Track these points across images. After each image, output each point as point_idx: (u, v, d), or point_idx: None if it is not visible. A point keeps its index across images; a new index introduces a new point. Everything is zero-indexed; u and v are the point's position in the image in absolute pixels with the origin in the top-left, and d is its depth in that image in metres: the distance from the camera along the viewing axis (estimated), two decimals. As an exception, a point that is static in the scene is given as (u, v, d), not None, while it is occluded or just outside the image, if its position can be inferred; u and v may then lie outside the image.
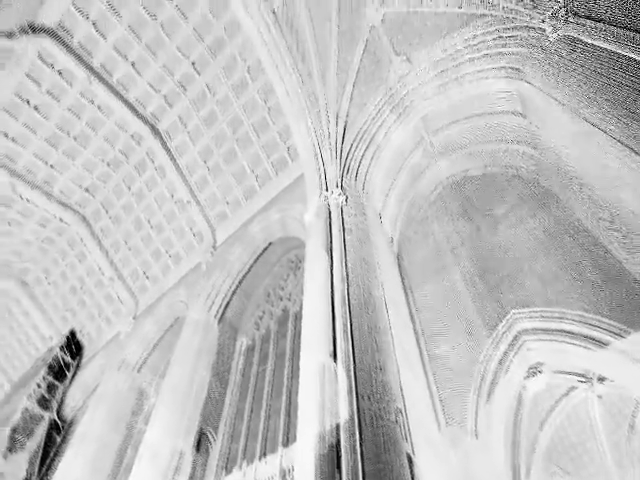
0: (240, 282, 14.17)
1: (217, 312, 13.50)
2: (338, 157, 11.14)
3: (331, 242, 9.38)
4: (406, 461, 6.64)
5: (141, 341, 16.13)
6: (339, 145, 11.26)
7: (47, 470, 15.51)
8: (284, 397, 9.95)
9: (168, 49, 13.79)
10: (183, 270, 16.95)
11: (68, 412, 17.48)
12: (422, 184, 11.38)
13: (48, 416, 16.91)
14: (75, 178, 17.02)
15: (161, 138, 16.03)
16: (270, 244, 14.25)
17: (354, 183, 10.85)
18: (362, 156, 11.10)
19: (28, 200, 16.95)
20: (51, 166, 16.39)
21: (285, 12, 11.43)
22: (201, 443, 10.50)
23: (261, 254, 14.36)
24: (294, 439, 8.46)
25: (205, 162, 15.96)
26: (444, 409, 7.60)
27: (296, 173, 13.67)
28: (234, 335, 13.54)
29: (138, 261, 18.39)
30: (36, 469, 15.32)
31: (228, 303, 13.88)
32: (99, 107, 15.07)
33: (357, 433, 6.39)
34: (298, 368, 9.75)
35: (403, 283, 9.85)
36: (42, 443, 15.94)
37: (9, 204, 16.98)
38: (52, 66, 13.59)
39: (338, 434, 6.47)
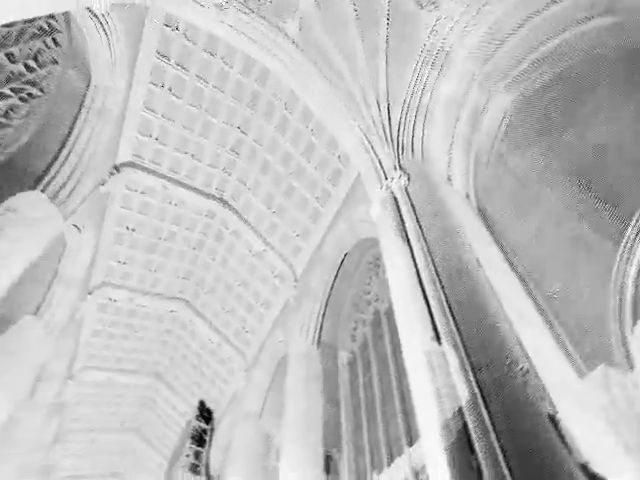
0: (327, 303, 14.30)
1: (313, 338, 13.68)
2: (389, 140, 10.83)
3: (404, 226, 9.08)
4: (548, 422, 5.72)
5: (256, 390, 17.06)
6: (387, 128, 10.97)
7: None
8: (396, 398, 9.44)
9: (216, 127, 15.27)
10: (274, 313, 17.85)
11: (214, 471, 18.81)
12: (486, 123, 10.24)
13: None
14: (173, 272, 19.53)
15: (229, 206, 17.55)
16: (346, 255, 14.29)
17: (412, 158, 10.38)
18: (413, 127, 10.60)
19: (143, 305, 19.87)
20: (155, 271, 19.18)
21: (303, 36, 11.65)
22: (329, 465, 10.35)
23: (339, 269, 14.42)
24: (417, 436, 7.86)
25: (269, 208, 16.89)
26: (580, 353, 6.41)
27: (352, 177, 13.71)
28: (334, 354, 13.50)
29: (236, 320, 19.93)
30: None
31: (321, 326, 14.03)
32: (176, 204, 17.14)
33: (483, 410, 5.76)
34: (403, 365, 9.28)
35: (492, 234, 8.87)
36: None
37: (132, 314, 20.26)
38: (136, 190, 16.02)
39: (463, 418, 5.92)
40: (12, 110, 10.43)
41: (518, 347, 6.67)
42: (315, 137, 14.56)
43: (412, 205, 9.53)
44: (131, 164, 14.96)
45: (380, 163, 10.86)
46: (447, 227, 8.79)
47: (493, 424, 5.60)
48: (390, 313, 11.30)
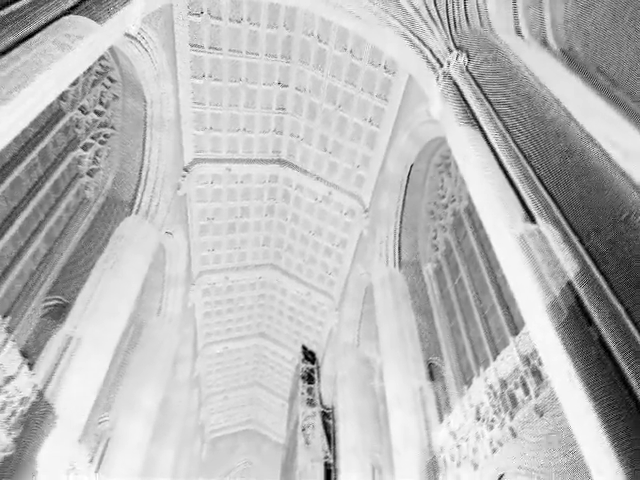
0: (401, 222, 13.91)
1: (394, 261, 13.54)
2: (438, 20, 9.66)
3: (470, 111, 8.24)
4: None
5: (349, 323, 17.94)
6: (432, 9, 9.75)
7: (333, 446, 18.88)
8: (492, 292, 8.97)
9: (259, 92, 15.22)
10: (351, 249, 18.19)
11: (327, 401, 20.83)
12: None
13: (317, 410, 20.52)
14: (254, 242, 21.09)
15: (287, 163, 18.02)
16: (411, 167, 13.52)
17: (469, 28, 9.14)
18: (463, -7, 9.00)
19: (237, 280, 22.13)
20: (239, 247, 20.93)
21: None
22: (433, 372, 10.49)
23: (407, 184, 13.72)
24: (522, 324, 7.40)
25: (325, 150, 16.82)
26: None
27: (403, 83, 12.70)
28: (418, 269, 13.29)
29: (318, 267, 20.94)
30: (327, 447, 18.98)
31: (399, 247, 13.78)
32: (242, 181, 18.00)
33: (599, 277, 5.11)
34: (494, 258, 8.72)
35: (588, 78, 7.37)
36: (322, 429, 19.55)
37: (230, 290, 22.58)
38: (206, 182, 17.12)
39: (574, 292, 5.36)
40: (97, 155, 12.13)
41: (637, 195, 5.67)
42: (355, 57, 13.76)
43: (477, 83, 8.52)
44: (196, 161, 16.01)
45: (431, 52, 9.77)
46: (521, 91, 7.61)
47: (613, 289, 5.02)
48: (471, 209, 10.60)
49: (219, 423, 32.05)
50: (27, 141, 8.63)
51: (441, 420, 9.27)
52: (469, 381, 9.05)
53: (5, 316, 6.96)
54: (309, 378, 22.69)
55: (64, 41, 5.73)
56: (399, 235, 13.87)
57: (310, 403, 21.27)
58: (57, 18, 5.76)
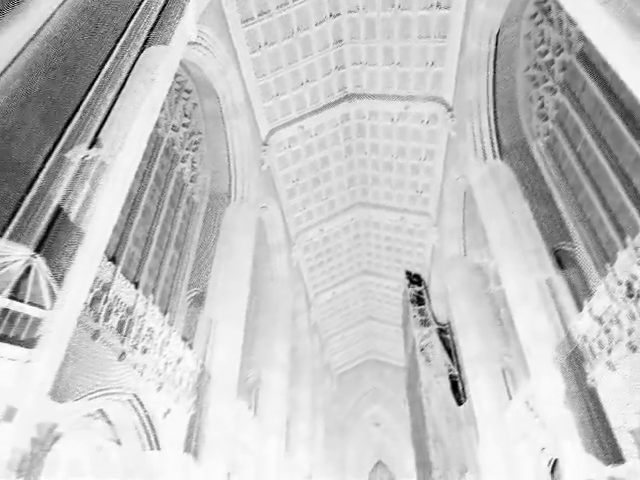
0: (494, 104, 13.14)
1: (493, 152, 13.01)
2: None
3: None
4: None
5: (451, 235, 18.19)
6: None
7: (455, 359, 20.93)
8: (632, 142, 8.17)
9: (312, 35, 15.75)
10: (440, 157, 18.14)
11: (441, 318, 22.55)
12: None
13: (432, 329, 22.30)
14: (338, 188, 22.47)
15: (355, 95, 18.46)
16: (497, 36, 12.31)
17: None
18: None
19: (331, 229, 24.45)
20: (325, 198, 22.66)
21: None
22: (562, 260, 10.47)
23: (495, 56, 12.60)
24: None
25: (392, 63, 16.76)
26: None
27: None
28: (524, 151, 12.66)
29: (407, 189, 21.63)
30: (449, 361, 21.05)
31: (497, 133, 13.20)
32: (316, 133, 19.26)
33: None
34: (629, 99, 7.92)
35: None
36: (441, 345, 21.65)
37: (326, 241, 24.99)
38: (284, 148, 18.86)
39: None
40: (193, 162, 14.58)
41: None
42: None
43: None
44: (271, 132, 17.84)
45: None
46: None
47: None
48: (587, 51, 9.51)
49: (342, 360, 36.79)
50: (143, 173, 10.68)
51: (579, 308, 9.27)
52: (612, 257, 8.80)
53: (165, 313, 9.01)
54: (418, 300, 24.25)
55: (147, 77, 6.44)
56: (495, 121, 13.15)
57: (424, 324, 23.04)
58: (137, 59, 6.42)
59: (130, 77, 6.06)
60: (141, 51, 6.49)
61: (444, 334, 22.35)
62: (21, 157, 4.60)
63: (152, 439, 8.37)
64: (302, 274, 24.55)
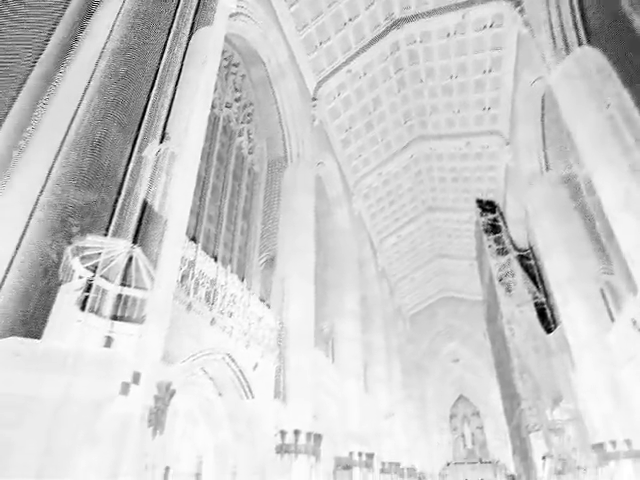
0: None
1: (577, 38, 12.02)
2: None
3: None
4: None
5: (528, 150, 17.44)
6: None
7: (541, 284, 20.90)
8: None
9: None
10: (510, 63, 17.51)
11: (521, 244, 22.40)
12: None
13: (512, 256, 22.41)
14: (394, 126, 22.66)
15: (403, 19, 18.14)
16: None
17: None
18: None
19: (390, 171, 25.06)
20: (381, 140, 23.02)
21: None
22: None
23: None
24: None
25: None
26: None
27: None
28: (621, 28, 11.05)
29: (472, 109, 21.13)
30: (534, 288, 21.12)
31: (582, 14, 12.12)
32: (365, 73, 19.46)
33: None
34: None
35: None
36: (523, 272, 21.80)
37: (386, 184, 25.62)
38: (334, 97, 19.57)
39: None
40: (249, 134, 15.78)
41: None
42: None
43: None
44: (319, 84, 18.67)
45: None
46: None
47: None
48: None
49: (412, 302, 38.55)
50: (207, 155, 11.93)
51: None
52: None
53: (242, 279, 10.43)
54: (493, 229, 24.12)
55: (198, 62, 7.05)
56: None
57: (501, 252, 23.09)
58: (187, 47, 7.04)
59: (184, 66, 6.68)
60: (189, 38, 7.03)
61: (526, 260, 22.40)
62: (110, 164, 5.60)
63: (246, 389, 10.14)
64: (364, 222, 25.66)
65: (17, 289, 4.80)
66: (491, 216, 24.63)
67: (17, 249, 4.87)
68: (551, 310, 19.87)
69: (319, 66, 18.08)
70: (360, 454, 16.92)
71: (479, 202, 25.82)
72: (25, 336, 4.95)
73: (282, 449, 10.41)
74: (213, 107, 12.62)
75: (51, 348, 5.22)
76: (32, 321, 4.97)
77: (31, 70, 5.59)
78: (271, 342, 11.48)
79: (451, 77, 19.87)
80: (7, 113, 5.29)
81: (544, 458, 17.64)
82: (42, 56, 5.70)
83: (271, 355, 11.56)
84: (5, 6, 5.14)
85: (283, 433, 10.59)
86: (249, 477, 9.88)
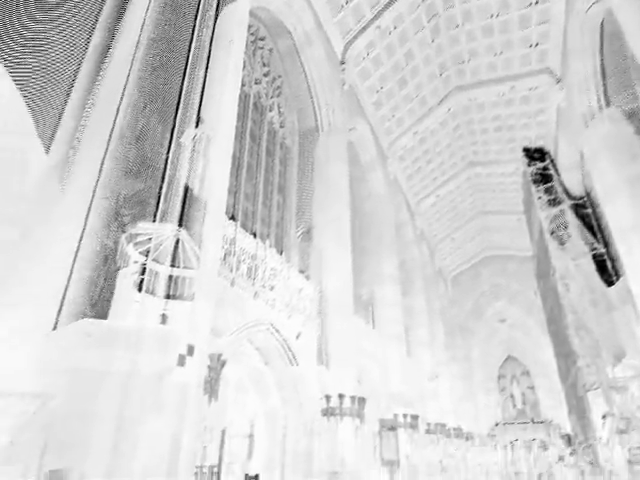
0: None
1: None
2: None
3: None
4: None
5: (583, 85, 16.35)
6: None
7: (600, 234, 20.36)
8: None
9: None
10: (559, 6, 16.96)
11: (576, 191, 21.89)
12: None
13: (565, 206, 21.79)
14: (429, 79, 22.29)
15: None
16: None
17: None
18: None
19: (427, 128, 24.80)
20: (416, 96, 22.86)
21: None
22: None
23: None
24: None
25: None
26: None
27: None
28: None
29: (516, 47, 20.54)
30: (592, 239, 20.56)
31: None
32: (395, 27, 19.13)
33: None
34: None
35: None
36: (579, 222, 21.10)
37: (423, 142, 25.53)
38: (363, 58, 19.46)
39: None
40: (279, 108, 16.15)
41: None
42: None
43: None
44: (346, 47, 18.42)
45: None
46: None
47: None
48: None
49: (454, 263, 38.63)
50: (240, 134, 12.49)
51: None
52: None
53: (281, 253, 11.14)
54: (543, 178, 23.35)
55: (225, 42, 7.39)
56: None
57: (552, 203, 22.39)
58: (214, 29, 7.40)
59: (212, 49, 7.04)
60: (215, 20, 7.33)
61: (581, 209, 21.61)
62: (152, 154, 6.18)
63: (291, 357, 11.02)
64: (400, 185, 25.79)
65: (84, 277, 5.58)
66: (540, 165, 23.70)
67: (80, 241, 5.60)
68: (612, 261, 19.22)
69: (346, 27, 17.89)
70: (405, 416, 17.88)
71: (526, 151, 24.92)
72: (94, 318, 5.77)
73: (327, 412, 11.34)
74: (243, 85, 12.96)
75: (116, 327, 6.04)
76: (99, 304, 5.77)
77: (77, 72, 6.13)
78: (312, 312, 12.25)
79: (491, 16, 19.09)
80: (61, 115, 5.90)
81: (604, 417, 17.65)
82: (85, 57, 6.21)
83: (312, 324, 12.37)
84: (47, 15, 5.64)
85: (328, 397, 11.49)
86: (298, 438, 10.93)
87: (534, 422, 34.57)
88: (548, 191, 22.91)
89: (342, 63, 18.27)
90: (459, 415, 28.95)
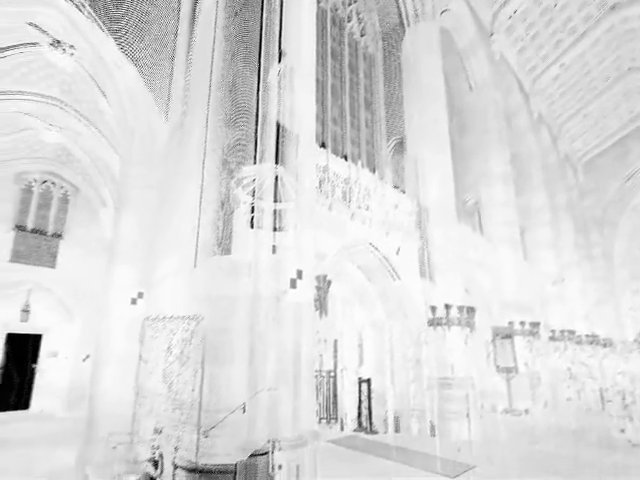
0: None
1: None
2: None
3: None
4: None
5: None
6: None
7: None
8: None
9: None
10: None
11: None
12: None
13: None
14: None
15: None
16: None
17: None
18: None
19: None
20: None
21: None
22: None
23: None
24: None
25: None
26: None
27: None
28: None
29: None
30: None
31: None
32: None
33: None
34: None
35: None
36: None
37: None
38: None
39: None
40: (358, 14, 16.67)
41: None
42: None
43: None
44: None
45: None
46: None
47: None
48: None
49: (587, 144, 36.28)
50: (321, 56, 13.73)
51: None
52: None
53: (373, 171, 12.57)
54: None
55: None
56: None
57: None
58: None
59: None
60: None
61: None
62: (244, 100, 7.71)
63: (393, 273, 12.83)
64: (509, 64, 24.74)
65: (209, 222, 7.62)
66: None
67: (201, 192, 7.56)
68: None
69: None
70: (522, 323, 19.28)
71: None
72: (221, 254, 7.89)
73: (434, 322, 13.20)
74: (318, 2, 13.57)
75: (239, 260, 8.13)
76: (223, 242, 7.84)
77: (176, 38, 7.63)
78: (410, 226, 13.71)
79: None
80: (171, 78, 7.57)
81: None
82: (179, 27, 7.64)
83: (411, 238, 13.89)
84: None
85: (433, 308, 13.27)
86: (406, 346, 13.11)
87: (690, 324, 33.57)
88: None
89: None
90: (593, 320, 29.36)
